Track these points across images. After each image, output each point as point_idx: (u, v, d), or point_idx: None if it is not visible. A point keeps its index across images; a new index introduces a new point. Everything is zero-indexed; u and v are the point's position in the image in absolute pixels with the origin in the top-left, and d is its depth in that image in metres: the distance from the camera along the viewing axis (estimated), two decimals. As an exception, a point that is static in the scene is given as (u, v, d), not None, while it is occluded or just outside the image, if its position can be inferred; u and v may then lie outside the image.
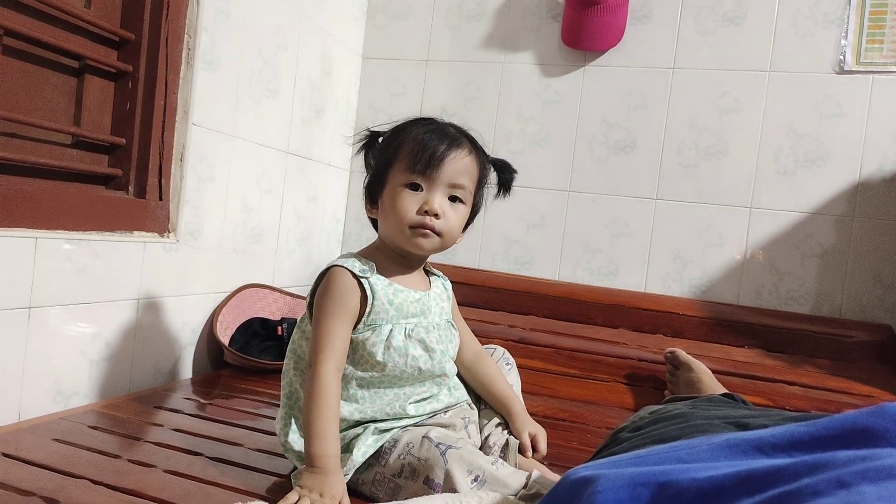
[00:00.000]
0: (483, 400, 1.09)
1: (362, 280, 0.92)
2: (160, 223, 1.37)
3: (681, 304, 1.79)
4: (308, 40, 1.82)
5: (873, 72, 1.71)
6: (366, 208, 1.00)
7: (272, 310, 1.69)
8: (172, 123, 1.37)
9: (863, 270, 1.73)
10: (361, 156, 1.01)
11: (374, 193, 0.98)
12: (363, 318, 0.92)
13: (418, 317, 0.95)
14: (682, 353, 1.49)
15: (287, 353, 0.98)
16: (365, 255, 0.97)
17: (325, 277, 0.93)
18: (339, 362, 0.89)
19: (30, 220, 1.10)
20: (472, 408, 1.05)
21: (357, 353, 0.93)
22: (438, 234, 0.93)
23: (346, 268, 0.92)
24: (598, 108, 1.93)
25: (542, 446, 1.02)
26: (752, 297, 1.80)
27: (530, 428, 1.03)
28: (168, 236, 1.39)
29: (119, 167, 1.32)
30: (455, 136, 0.95)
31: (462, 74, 2.05)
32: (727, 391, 1.27)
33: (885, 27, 1.70)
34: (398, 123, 0.98)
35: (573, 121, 1.95)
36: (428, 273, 1.05)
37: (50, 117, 1.21)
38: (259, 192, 1.68)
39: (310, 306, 0.95)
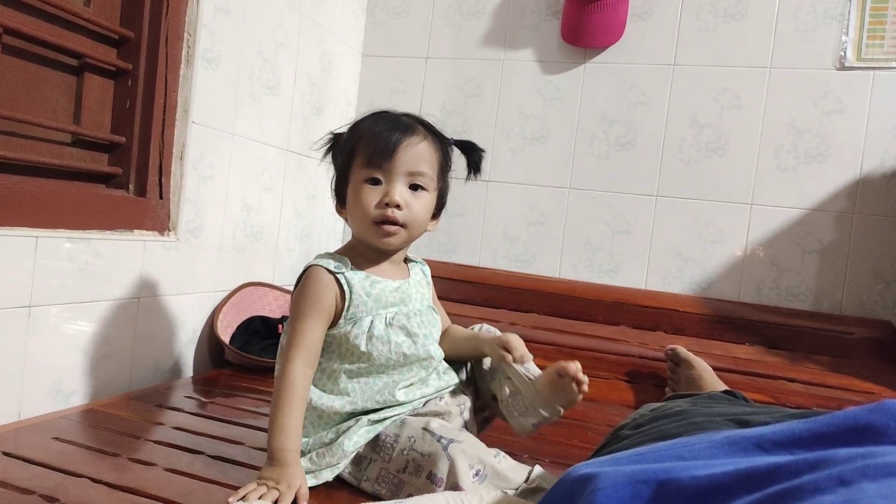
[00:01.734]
0: (473, 381, 1.07)
1: (338, 276, 0.93)
2: (160, 222, 1.37)
3: (681, 300, 1.79)
4: (308, 38, 1.81)
5: (874, 68, 1.70)
6: (336, 209, 1.01)
7: (272, 308, 1.69)
8: (172, 122, 1.37)
9: (863, 267, 1.72)
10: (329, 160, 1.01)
11: (341, 193, 0.98)
12: (343, 313, 0.93)
13: (398, 305, 0.96)
14: (683, 351, 1.49)
15: (278, 353, 0.98)
16: (340, 252, 0.98)
17: (302, 278, 0.95)
18: (308, 360, 0.91)
19: (30, 219, 1.10)
20: (465, 394, 1.05)
21: (342, 348, 0.94)
22: (403, 226, 0.93)
23: (321, 266, 0.93)
24: (599, 105, 1.92)
25: (515, 342, 0.98)
26: (752, 293, 1.80)
27: (499, 339, 0.99)
28: (168, 235, 1.39)
29: (119, 166, 1.32)
30: (407, 124, 0.94)
31: (462, 72, 2.04)
32: (728, 388, 1.27)
33: (885, 23, 1.69)
34: (353, 121, 0.98)
35: (573, 118, 1.95)
36: (406, 261, 1.05)
37: (50, 116, 1.21)
38: (259, 190, 1.68)
39: None
